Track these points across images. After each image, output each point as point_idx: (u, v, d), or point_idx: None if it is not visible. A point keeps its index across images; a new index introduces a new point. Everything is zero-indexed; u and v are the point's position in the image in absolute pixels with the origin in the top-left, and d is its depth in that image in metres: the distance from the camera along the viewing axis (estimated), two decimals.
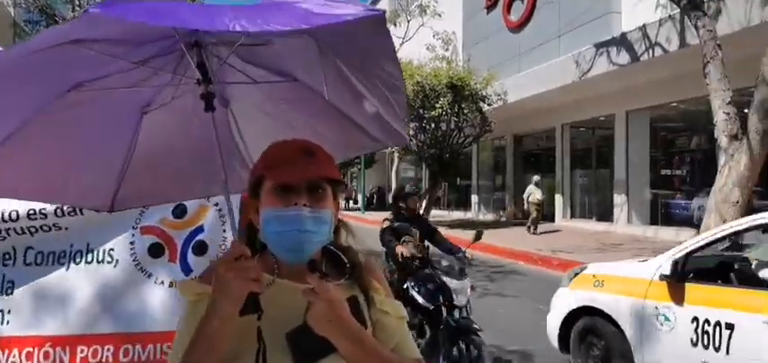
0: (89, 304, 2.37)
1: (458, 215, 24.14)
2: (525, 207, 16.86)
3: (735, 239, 4.42)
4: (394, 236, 4.83)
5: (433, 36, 25.63)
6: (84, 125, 1.59)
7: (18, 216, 2.32)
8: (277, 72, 1.59)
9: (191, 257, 2.40)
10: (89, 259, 2.38)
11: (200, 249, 2.41)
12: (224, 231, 2.43)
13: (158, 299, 2.34)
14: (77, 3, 18.81)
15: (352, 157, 1.99)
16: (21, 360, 2.28)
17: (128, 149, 1.69)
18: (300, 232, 1.18)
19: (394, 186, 23.66)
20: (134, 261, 2.38)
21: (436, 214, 22.84)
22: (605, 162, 16.65)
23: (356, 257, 1.36)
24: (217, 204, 2.45)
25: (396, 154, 21.81)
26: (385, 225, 4.94)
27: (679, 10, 9.61)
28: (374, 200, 31.98)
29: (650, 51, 12.20)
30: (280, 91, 1.62)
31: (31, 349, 2.30)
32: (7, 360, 2.29)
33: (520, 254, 11.73)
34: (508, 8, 20.07)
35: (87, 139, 1.64)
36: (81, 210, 2.37)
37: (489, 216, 22.61)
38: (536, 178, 16.88)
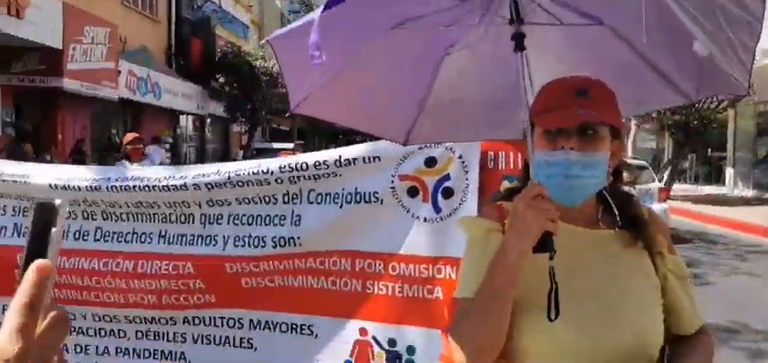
0: (360, 230, 3.00)
1: (708, 190, 21.39)
2: None
3: None
4: None
5: None
6: (397, 62, 1.62)
7: (307, 166, 3.04)
8: (584, 14, 1.46)
9: (440, 199, 2.89)
10: (358, 199, 3.01)
11: (448, 193, 2.89)
12: (466, 179, 2.87)
13: (416, 230, 2.90)
14: None
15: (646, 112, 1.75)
16: (315, 265, 3.03)
17: (428, 88, 1.69)
18: (567, 176, 1.14)
19: (630, 155, 21.96)
20: (397, 200, 2.96)
21: (681, 188, 20.60)
22: None
23: (638, 207, 1.26)
24: (461, 156, 2.89)
25: (632, 122, 20.15)
26: None
27: None
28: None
29: None
30: (581, 35, 1.50)
31: (322, 260, 3.04)
32: (306, 265, 3.05)
33: None
34: None
35: (398, 76, 1.68)
36: (354, 161, 3.01)
37: (748, 192, 19.59)
38: None
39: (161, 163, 9.57)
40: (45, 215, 0.58)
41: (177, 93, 17.57)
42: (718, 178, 22.04)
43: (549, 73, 1.37)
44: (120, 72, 13.55)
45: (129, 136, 8.20)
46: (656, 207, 8.56)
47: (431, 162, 2.94)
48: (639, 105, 1.72)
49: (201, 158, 20.97)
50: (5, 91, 11.25)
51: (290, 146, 18.44)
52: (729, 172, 21.24)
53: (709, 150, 22.22)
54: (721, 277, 7.15)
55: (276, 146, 18.46)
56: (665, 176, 18.29)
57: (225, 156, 22.76)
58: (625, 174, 1.30)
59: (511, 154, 2.81)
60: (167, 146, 15.48)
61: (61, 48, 11.18)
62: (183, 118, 20.04)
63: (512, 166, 2.85)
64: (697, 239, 10.29)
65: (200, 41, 19.55)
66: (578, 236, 1.20)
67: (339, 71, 1.50)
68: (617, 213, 1.23)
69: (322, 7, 1.19)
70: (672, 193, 17.57)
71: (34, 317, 0.52)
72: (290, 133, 28.05)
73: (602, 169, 1.17)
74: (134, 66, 14.62)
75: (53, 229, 0.57)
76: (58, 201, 0.58)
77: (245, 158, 18.91)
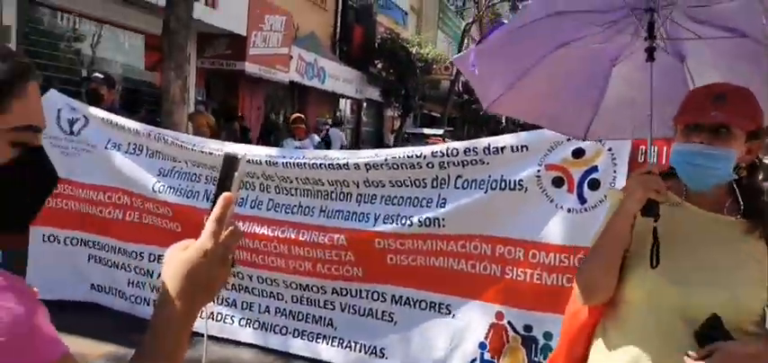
0: (502, 216, 3.11)
1: None
2: None
3: None
4: None
5: None
6: (569, 72, 1.97)
7: (458, 152, 3.20)
8: (725, 28, 1.67)
9: (586, 190, 2.92)
10: (503, 186, 3.13)
11: (594, 184, 2.90)
12: (614, 172, 2.85)
13: (558, 219, 2.95)
14: None
15: None
16: (457, 248, 3.20)
17: (600, 92, 1.99)
18: (692, 165, 1.39)
19: None
20: (541, 189, 3.03)
21: None
22: None
23: (763, 201, 1.42)
24: (610, 149, 2.87)
25: None
26: None
27: None
28: None
29: None
30: (729, 47, 1.70)
31: (464, 243, 3.21)
32: (447, 247, 3.23)
33: None
34: None
35: (571, 83, 2.02)
36: (502, 150, 3.12)
37: None
38: None
39: (341, 146, 10.40)
40: (231, 162, 0.84)
41: (339, 78, 18.74)
42: None
43: (708, 80, 1.58)
44: (291, 57, 14.88)
45: (293, 116, 9.12)
46: None
47: (578, 153, 2.97)
48: None
49: (357, 140, 22.14)
50: (199, 73, 12.99)
51: (440, 132, 18.80)
52: None
53: None
54: None
55: (427, 131, 18.93)
56: None
57: (378, 139, 23.78)
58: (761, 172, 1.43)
59: (664, 148, 2.74)
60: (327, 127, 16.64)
61: (245, 34, 12.60)
62: (342, 101, 21.32)
63: (664, 160, 2.78)
64: None
65: (362, 28, 20.58)
66: (699, 216, 1.44)
67: (520, 79, 1.91)
68: (742, 203, 1.42)
69: (486, 35, 1.67)
70: None
71: (221, 227, 0.80)
72: (440, 119, 28.40)
73: (726, 163, 1.36)
74: (303, 52, 15.89)
75: (236, 172, 0.83)
76: (240, 154, 0.85)
77: (396, 141, 19.66)
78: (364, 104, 23.28)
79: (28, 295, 0.70)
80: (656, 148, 2.78)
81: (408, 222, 3.34)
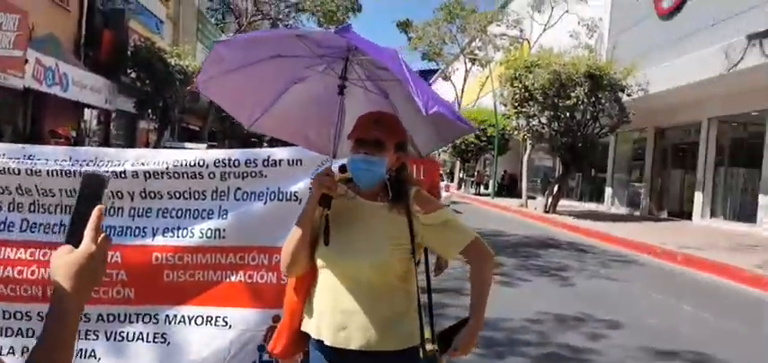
0: (279, 227, 3.39)
1: (590, 206, 23.69)
2: None
3: None
4: None
5: (579, 23, 25.08)
6: (311, 100, 2.27)
7: (239, 163, 3.39)
8: (380, 89, 2.08)
9: None
10: (280, 198, 3.39)
11: None
12: None
13: None
14: None
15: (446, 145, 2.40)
16: (235, 260, 3.21)
17: (339, 117, 2.19)
18: (358, 169, 1.88)
19: (525, 173, 23.80)
20: None
21: (566, 204, 22.63)
22: (753, 160, 15.57)
23: (407, 188, 1.94)
24: None
25: (528, 142, 21.91)
26: None
27: None
28: (505, 187, 32.24)
29: None
30: (404, 89, 1.94)
31: (243, 255, 3.31)
32: (226, 260, 3.23)
33: (643, 247, 11.75)
34: None
35: (315, 110, 2.30)
36: (279, 163, 3.45)
37: (623, 210, 21.96)
38: None
39: None
40: (96, 180, 1.00)
41: (85, 86, 16.95)
42: (599, 196, 24.40)
43: (404, 109, 2.05)
44: (27, 61, 13.05)
45: (50, 129, 8.17)
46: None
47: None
48: (438, 141, 2.28)
49: None
50: None
51: (203, 146, 18.35)
52: (608, 191, 23.64)
53: (593, 170, 24.58)
54: (583, 279, 8.36)
55: (188, 146, 18.28)
56: (554, 191, 20.12)
57: None
58: (409, 173, 2.02)
59: (412, 165, 3.34)
60: (71, 141, 14.98)
61: None
62: (87, 111, 19.27)
63: (415, 173, 3.49)
64: (571, 248, 11.76)
65: (112, 33, 18.97)
66: (366, 206, 1.96)
67: (272, 104, 2.26)
68: (390, 193, 1.95)
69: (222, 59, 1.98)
70: (558, 208, 19.53)
71: (98, 234, 1.00)
72: (200, 133, 27.51)
73: (381, 167, 1.88)
74: (42, 56, 14.07)
75: (105, 189, 1.03)
76: (106, 175, 1.04)
77: None
78: (113, 115, 21.37)
79: None
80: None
81: (189, 233, 3.20)
